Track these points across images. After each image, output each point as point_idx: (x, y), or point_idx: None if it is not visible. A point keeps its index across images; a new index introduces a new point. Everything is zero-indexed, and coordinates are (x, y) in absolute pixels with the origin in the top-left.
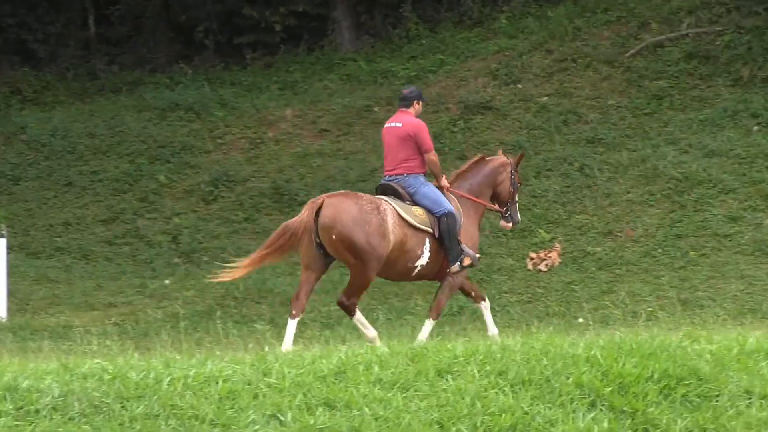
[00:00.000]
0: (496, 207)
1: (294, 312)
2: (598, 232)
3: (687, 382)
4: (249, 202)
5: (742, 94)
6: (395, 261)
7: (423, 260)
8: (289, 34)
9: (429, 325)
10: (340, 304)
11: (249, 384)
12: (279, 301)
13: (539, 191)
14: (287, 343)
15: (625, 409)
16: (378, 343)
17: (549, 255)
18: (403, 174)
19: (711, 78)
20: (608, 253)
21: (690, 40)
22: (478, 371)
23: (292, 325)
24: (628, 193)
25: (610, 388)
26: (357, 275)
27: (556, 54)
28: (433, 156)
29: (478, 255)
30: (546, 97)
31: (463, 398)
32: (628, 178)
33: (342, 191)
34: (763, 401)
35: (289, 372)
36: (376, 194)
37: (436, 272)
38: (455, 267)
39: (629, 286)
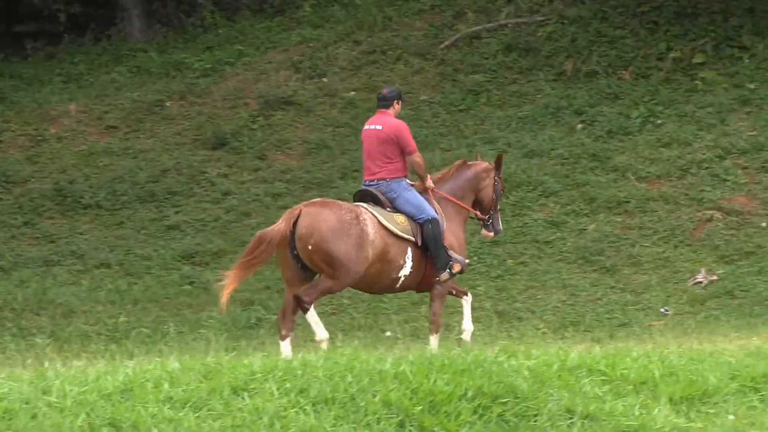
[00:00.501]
0: (479, 214)
1: (284, 332)
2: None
3: (503, 401)
4: (29, 205)
5: (564, 90)
6: (379, 273)
7: (406, 270)
8: (74, 22)
9: (434, 339)
10: (296, 297)
11: (27, 403)
12: (60, 313)
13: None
14: (285, 354)
15: (435, 429)
16: (325, 346)
17: None
18: (385, 179)
19: (531, 72)
20: None
21: (509, 31)
22: (278, 389)
23: (285, 346)
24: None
25: (420, 407)
26: (327, 283)
27: (364, 45)
28: (417, 157)
29: (467, 260)
30: (353, 92)
31: (260, 418)
32: None
33: (320, 199)
34: (585, 421)
35: (71, 390)
36: (354, 201)
37: (419, 282)
38: (444, 275)
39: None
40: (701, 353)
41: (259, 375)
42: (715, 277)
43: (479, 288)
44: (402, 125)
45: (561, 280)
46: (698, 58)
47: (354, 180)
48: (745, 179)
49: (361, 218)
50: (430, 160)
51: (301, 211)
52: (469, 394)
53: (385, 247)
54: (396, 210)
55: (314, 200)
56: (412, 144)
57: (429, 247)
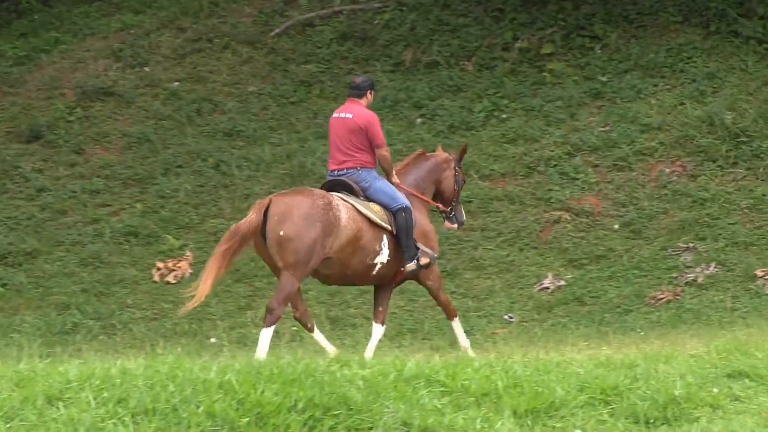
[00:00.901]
0: (441, 206)
1: (309, 325)
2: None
3: (336, 413)
4: None
5: (403, 81)
6: (351, 258)
7: (383, 257)
8: None
9: (456, 325)
10: (269, 309)
11: None
12: None
13: (168, 191)
14: (330, 350)
15: None
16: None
17: (178, 265)
18: (356, 168)
19: (368, 62)
20: (247, 263)
21: (344, 18)
22: (94, 398)
23: (319, 336)
24: (272, 193)
25: (247, 419)
26: (287, 280)
27: (189, 33)
28: (384, 152)
29: (436, 254)
30: (177, 83)
31: (76, 429)
32: (272, 177)
33: (293, 189)
34: None
35: None
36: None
37: (394, 274)
38: (411, 265)
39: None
40: (548, 363)
41: (75, 383)
42: (563, 283)
43: (311, 292)
44: (373, 116)
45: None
46: (546, 49)
47: (176, 176)
48: (596, 178)
49: (333, 205)
50: (259, 156)
51: (271, 200)
52: (299, 405)
53: (358, 233)
54: (368, 199)
55: (286, 190)
56: (381, 137)
57: (400, 236)
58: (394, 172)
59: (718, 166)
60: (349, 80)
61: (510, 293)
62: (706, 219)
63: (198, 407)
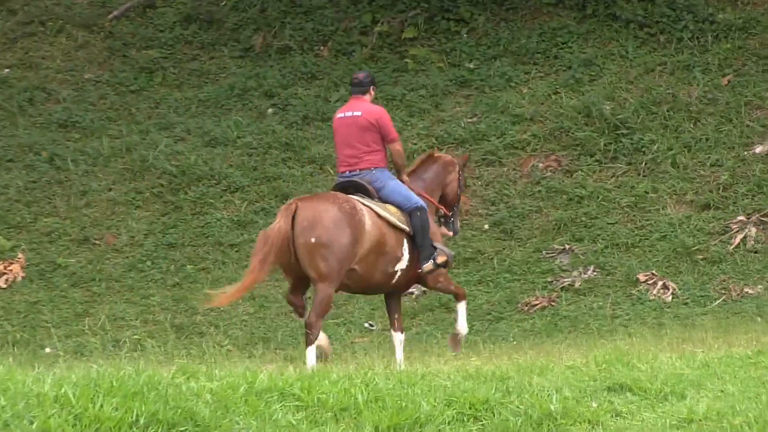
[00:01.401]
0: (445, 210)
1: (311, 337)
2: (71, 239)
3: (181, 429)
4: None
5: (253, 68)
6: (374, 267)
7: (403, 263)
8: None
9: (462, 307)
10: (309, 325)
11: None
12: None
13: None
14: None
15: None
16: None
17: (9, 268)
18: (369, 168)
19: (215, 47)
20: (84, 265)
21: (188, 1)
22: None
23: (311, 351)
24: (110, 190)
25: None
26: (322, 290)
27: (21, 15)
28: (399, 146)
29: (452, 253)
30: (7, 69)
31: None
32: (110, 172)
33: (312, 194)
34: None
35: None
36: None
37: (408, 280)
38: (428, 265)
39: (110, 308)
40: (412, 375)
41: None
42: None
43: (153, 298)
44: (383, 111)
45: None
46: (408, 33)
47: (6, 171)
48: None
49: (357, 209)
50: (96, 149)
51: (298, 204)
52: (141, 421)
53: (381, 238)
54: (382, 200)
55: (308, 195)
56: (393, 131)
57: (416, 236)
58: (404, 170)
59: (596, 160)
60: (194, 67)
61: (371, 299)
62: (583, 218)
63: (32, 423)
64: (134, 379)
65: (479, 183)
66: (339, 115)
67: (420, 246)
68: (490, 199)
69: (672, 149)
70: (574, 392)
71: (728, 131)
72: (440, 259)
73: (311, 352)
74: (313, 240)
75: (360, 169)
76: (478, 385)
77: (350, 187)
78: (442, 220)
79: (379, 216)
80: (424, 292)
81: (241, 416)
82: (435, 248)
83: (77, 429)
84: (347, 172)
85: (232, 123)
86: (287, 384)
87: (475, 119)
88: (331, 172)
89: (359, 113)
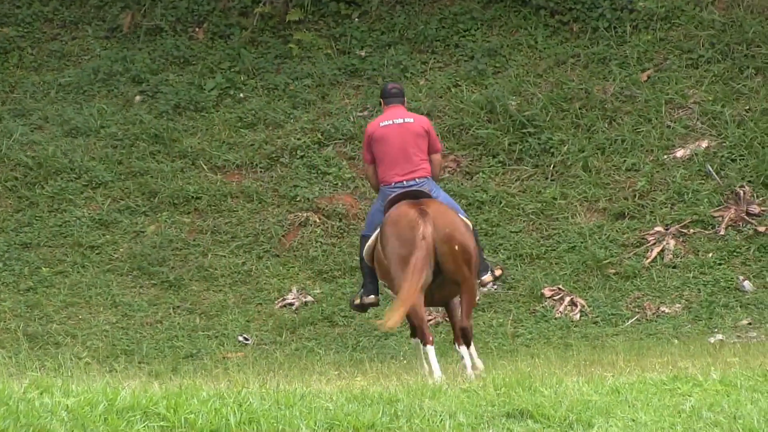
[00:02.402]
0: None
1: (430, 338)
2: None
3: None
4: None
5: (120, 51)
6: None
7: None
8: None
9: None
10: (463, 329)
11: None
12: None
13: None
14: (437, 371)
15: None
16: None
17: None
18: (425, 177)
19: (78, 26)
20: None
21: None
22: None
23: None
24: None
25: None
26: (471, 288)
27: None
28: (440, 157)
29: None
30: None
31: None
32: None
33: (421, 200)
34: None
35: None
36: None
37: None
38: (488, 276)
39: None
40: (290, 395)
41: None
42: (310, 298)
43: (4, 303)
44: (429, 120)
45: (111, 297)
46: (293, 15)
47: None
48: (352, 173)
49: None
50: None
51: (423, 209)
52: None
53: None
54: None
55: (414, 200)
56: (439, 142)
57: (478, 246)
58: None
59: (500, 161)
60: (54, 48)
61: (246, 309)
62: (484, 225)
63: None
64: None
65: (366, 184)
66: (383, 123)
67: (481, 257)
68: None
69: (584, 151)
70: (469, 418)
71: (646, 132)
72: (498, 272)
73: (465, 352)
74: (456, 247)
75: (417, 178)
76: (363, 408)
77: (416, 196)
78: None
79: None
80: (306, 304)
81: None
82: (485, 260)
83: None
84: (404, 182)
85: (95, 111)
86: (151, 402)
87: (365, 113)
88: (205, 167)
89: (411, 120)
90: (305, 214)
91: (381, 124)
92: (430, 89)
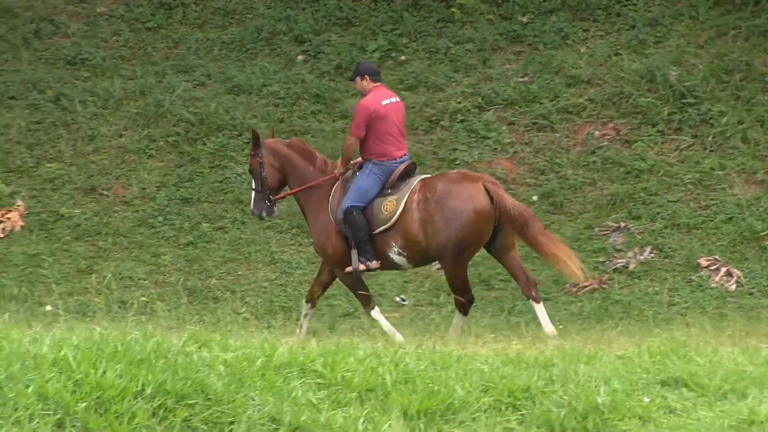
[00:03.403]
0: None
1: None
2: (76, 187)
3: (191, 402)
4: None
5: (283, 10)
6: None
7: None
8: None
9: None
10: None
11: None
12: None
13: None
14: (547, 326)
15: None
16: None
17: (7, 216)
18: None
19: None
20: (90, 218)
21: None
22: None
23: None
24: (120, 136)
25: (85, 404)
26: None
27: None
28: None
29: None
30: None
31: None
32: (121, 116)
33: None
34: None
35: None
36: (406, 174)
37: None
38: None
39: (117, 266)
40: (446, 357)
41: None
42: None
43: (165, 257)
44: None
45: (270, 254)
46: None
47: (8, 109)
48: (511, 138)
49: None
50: (108, 90)
51: (487, 185)
52: (148, 391)
53: None
54: None
55: (457, 171)
56: None
57: None
58: None
59: (659, 131)
60: (218, 5)
61: (403, 271)
62: (641, 194)
63: (27, 386)
64: (141, 345)
65: (528, 149)
66: (383, 101)
67: None
68: (539, 168)
69: (743, 123)
70: (624, 384)
71: None
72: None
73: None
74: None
75: (405, 154)
76: (518, 372)
77: (411, 170)
78: (269, 203)
79: None
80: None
81: (257, 392)
82: None
83: (77, 396)
84: (403, 156)
85: (257, 69)
86: (309, 359)
87: (526, 79)
88: None
89: (397, 100)
90: None
91: (382, 103)
92: (591, 57)
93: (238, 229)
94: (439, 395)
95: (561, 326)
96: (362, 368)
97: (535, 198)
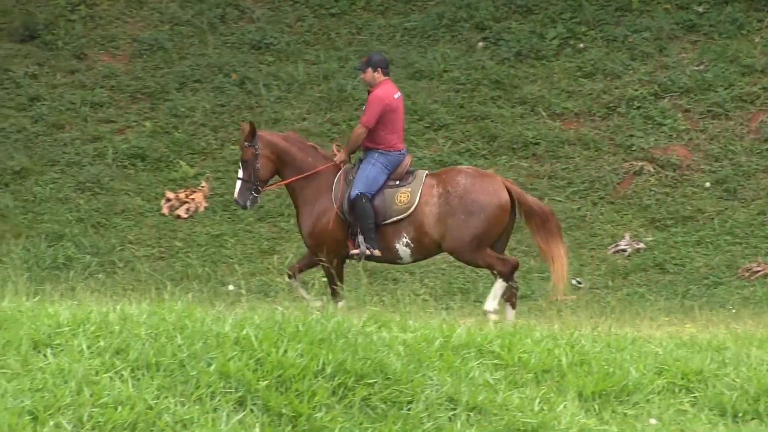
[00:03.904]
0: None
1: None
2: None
3: (370, 382)
4: None
5: None
6: None
7: None
8: None
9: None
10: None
11: None
12: None
13: (182, 109)
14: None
15: (283, 411)
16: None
17: (192, 197)
18: None
19: None
20: (272, 199)
21: None
22: (88, 347)
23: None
24: (304, 120)
25: (266, 382)
26: None
27: None
28: None
29: None
30: None
31: (66, 382)
32: (304, 100)
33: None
34: (471, 413)
35: None
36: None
37: None
38: None
39: (298, 246)
40: (621, 339)
41: (67, 328)
42: (642, 245)
43: None
44: None
45: None
46: None
47: (193, 92)
48: (686, 125)
49: None
50: (292, 75)
51: (504, 182)
52: (328, 370)
53: None
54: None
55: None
56: None
57: None
58: None
59: None
60: None
61: (580, 254)
62: None
63: (209, 365)
64: (322, 325)
65: (703, 136)
66: (395, 95)
67: None
68: (713, 155)
69: None
70: None
71: None
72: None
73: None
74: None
75: (405, 147)
76: (691, 354)
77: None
78: (255, 194)
79: None
80: (638, 250)
81: (435, 371)
82: None
83: (258, 374)
84: (404, 149)
85: (438, 55)
86: (486, 340)
87: (701, 67)
88: (544, 115)
89: (400, 95)
90: (640, 164)
91: (394, 96)
92: (765, 47)
93: None
94: (614, 377)
95: (734, 310)
96: (539, 350)
97: (708, 184)
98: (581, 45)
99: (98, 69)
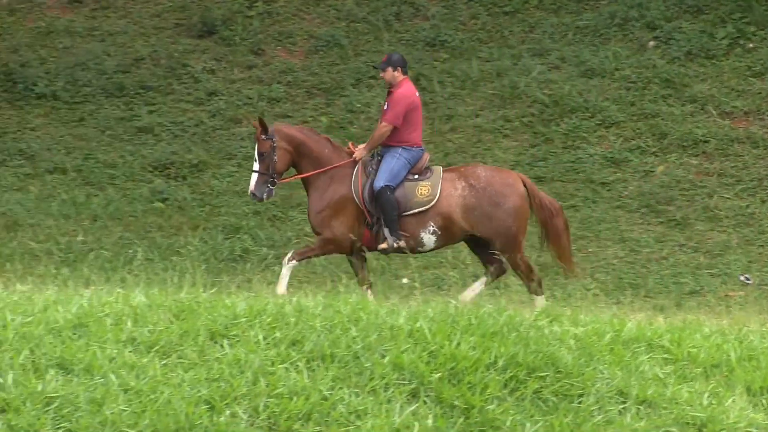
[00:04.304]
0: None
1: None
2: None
3: (542, 375)
4: None
5: None
6: None
7: None
8: None
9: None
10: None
11: None
12: (3, 224)
13: (358, 105)
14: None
15: (456, 403)
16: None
17: None
18: None
19: None
20: None
21: None
22: (264, 338)
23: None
24: (477, 116)
25: (439, 374)
26: None
27: None
28: None
29: None
30: None
31: (242, 372)
32: (478, 97)
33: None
34: (640, 407)
35: (12, 319)
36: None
37: None
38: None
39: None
40: None
41: (244, 319)
42: None
43: None
44: None
45: (619, 232)
46: None
47: (368, 88)
48: None
49: None
50: (465, 72)
51: (520, 176)
52: (500, 363)
53: None
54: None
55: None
56: None
57: None
58: None
59: None
60: None
61: (748, 250)
62: None
63: (383, 356)
64: (494, 319)
65: None
66: (417, 93)
67: None
68: None
69: None
70: None
71: None
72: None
73: None
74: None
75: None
76: None
77: None
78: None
79: None
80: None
81: (606, 365)
82: None
83: (431, 366)
84: (422, 146)
85: (610, 54)
86: (656, 335)
87: None
88: (713, 113)
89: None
90: None
91: (416, 95)
92: None
93: (589, 207)
94: None
95: None
96: (708, 345)
97: None
98: (751, 45)
99: (275, 65)
